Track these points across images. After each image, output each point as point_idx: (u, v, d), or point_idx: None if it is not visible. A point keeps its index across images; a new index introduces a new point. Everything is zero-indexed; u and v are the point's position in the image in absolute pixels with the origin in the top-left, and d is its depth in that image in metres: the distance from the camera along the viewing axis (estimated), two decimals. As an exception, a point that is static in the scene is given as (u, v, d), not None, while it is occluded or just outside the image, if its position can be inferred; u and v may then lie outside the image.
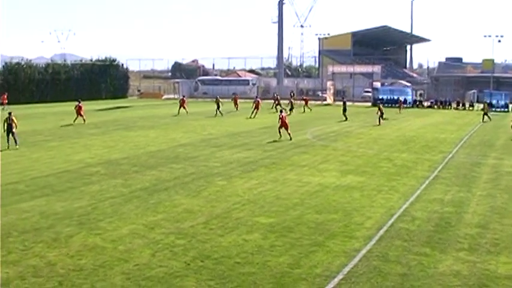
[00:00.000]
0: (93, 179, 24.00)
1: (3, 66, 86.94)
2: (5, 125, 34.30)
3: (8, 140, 34.04)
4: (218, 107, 58.91)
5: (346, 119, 53.06)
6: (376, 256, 14.25)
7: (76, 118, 49.17)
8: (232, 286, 12.31)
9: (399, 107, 65.49)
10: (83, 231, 16.28)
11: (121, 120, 53.57)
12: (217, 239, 15.53)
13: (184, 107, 60.30)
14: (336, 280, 12.67)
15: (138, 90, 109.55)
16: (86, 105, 56.94)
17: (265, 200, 20.31)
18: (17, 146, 33.81)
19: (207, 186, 22.61)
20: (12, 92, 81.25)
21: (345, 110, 54.50)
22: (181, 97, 62.98)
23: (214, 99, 61.68)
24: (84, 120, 49.15)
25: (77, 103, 50.82)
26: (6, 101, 68.57)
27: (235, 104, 67.06)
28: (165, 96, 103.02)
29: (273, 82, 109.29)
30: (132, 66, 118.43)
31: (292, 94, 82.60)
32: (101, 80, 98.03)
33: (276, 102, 66.69)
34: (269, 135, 39.86)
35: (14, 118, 34.64)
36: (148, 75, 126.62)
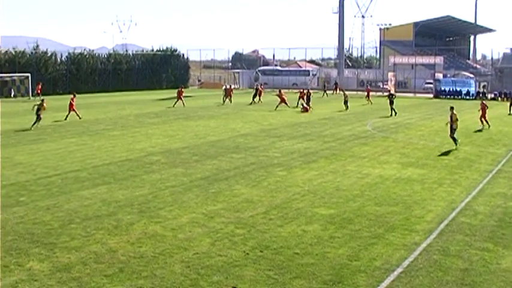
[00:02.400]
0: (153, 168, 24.41)
1: (67, 57, 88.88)
2: (35, 107, 40.15)
3: (35, 122, 39.36)
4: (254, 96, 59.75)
5: (395, 113, 49.64)
6: (437, 250, 14.10)
7: (68, 115, 46.35)
8: (291, 277, 12.37)
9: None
10: (143, 219, 16.59)
11: (181, 109, 54.15)
12: (277, 229, 15.62)
13: (181, 99, 58.59)
14: (396, 273, 12.59)
15: (199, 80, 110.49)
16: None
17: (325, 191, 20.30)
18: (32, 128, 38.72)
19: (267, 176, 22.72)
20: (75, 82, 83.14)
21: (391, 102, 50.62)
22: (179, 89, 60.84)
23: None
24: (71, 115, 46.30)
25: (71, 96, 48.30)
26: (40, 91, 69.89)
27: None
28: (225, 86, 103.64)
29: (334, 73, 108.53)
30: (193, 56, 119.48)
31: (335, 84, 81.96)
32: (162, 70, 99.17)
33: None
34: (329, 126, 39.74)
35: (44, 104, 40.68)
36: (208, 65, 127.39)
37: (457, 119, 31.02)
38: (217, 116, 47.12)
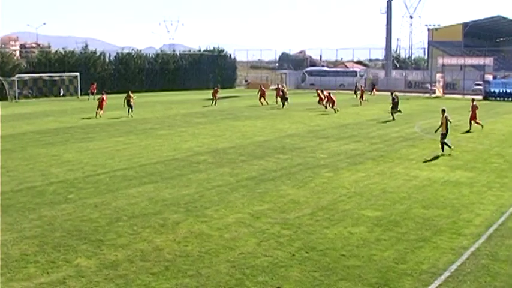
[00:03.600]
0: (200, 167, 24.56)
1: (115, 56, 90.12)
2: (125, 100, 48.52)
3: (128, 111, 47.62)
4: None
5: (393, 118, 45.65)
6: (485, 255, 13.86)
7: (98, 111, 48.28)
8: (337, 278, 12.31)
9: None
10: (189, 218, 16.71)
11: (228, 109, 54.36)
12: (323, 231, 15.56)
13: (215, 98, 59.14)
14: (443, 278, 12.41)
15: (246, 81, 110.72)
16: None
17: (371, 193, 20.15)
18: (131, 115, 47.04)
19: (313, 177, 22.65)
20: (123, 81, 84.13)
21: (394, 106, 46.31)
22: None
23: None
24: (98, 114, 48.09)
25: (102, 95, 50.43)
26: (95, 91, 71.10)
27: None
28: (272, 87, 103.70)
29: (381, 74, 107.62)
30: (240, 56, 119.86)
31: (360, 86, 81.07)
32: (209, 70, 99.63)
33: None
34: (377, 128, 39.44)
35: (132, 95, 48.91)
36: (255, 66, 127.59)
37: (447, 123, 29.10)
38: (264, 116, 47.15)
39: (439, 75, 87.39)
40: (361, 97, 63.21)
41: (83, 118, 46.40)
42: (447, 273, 12.63)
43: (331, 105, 52.45)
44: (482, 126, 39.04)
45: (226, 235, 15.13)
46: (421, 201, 19.04)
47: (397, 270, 12.77)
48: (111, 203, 18.55)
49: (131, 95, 49.88)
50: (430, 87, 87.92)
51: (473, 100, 41.62)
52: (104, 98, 48.98)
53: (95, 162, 25.88)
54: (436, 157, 27.63)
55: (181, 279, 12.20)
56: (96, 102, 48.28)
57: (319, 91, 56.99)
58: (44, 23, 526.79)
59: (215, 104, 58.39)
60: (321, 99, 55.09)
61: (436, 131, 30.13)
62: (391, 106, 46.46)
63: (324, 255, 13.66)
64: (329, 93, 54.34)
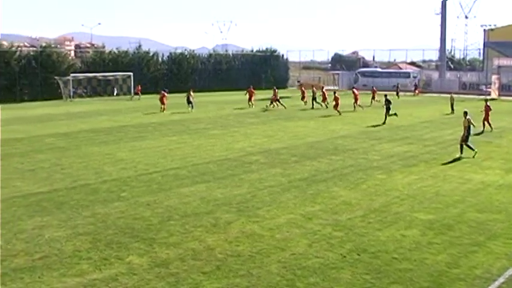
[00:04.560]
0: (252, 168, 24.64)
1: (168, 56, 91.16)
2: (187, 97, 52.89)
3: (189, 107, 51.74)
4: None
5: (384, 122, 43.34)
6: (543, 260, 13.56)
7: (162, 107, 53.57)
8: (388, 281, 12.20)
9: None
10: (241, 218, 16.78)
11: (281, 110, 54.34)
12: (375, 233, 15.45)
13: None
14: (497, 283, 12.17)
15: (298, 81, 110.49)
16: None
17: (424, 195, 19.90)
18: (192, 110, 51.40)
19: (366, 179, 22.50)
20: (175, 81, 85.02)
21: (388, 109, 44.10)
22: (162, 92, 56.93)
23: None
24: (162, 109, 53.44)
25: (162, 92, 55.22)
26: (139, 91, 72.64)
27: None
28: (325, 88, 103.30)
29: (435, 75, 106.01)
30: (292, 57, 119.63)
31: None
32: (261, 71, 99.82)
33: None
34: (430, 130, 38.94)
35: (191, 93, 53.68)
36: (307, 66, 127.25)
37: (469, 126, 28.13)
38: (316, 117, 47.01)
39: (494, 77, 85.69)
40: (373, 97, 61.20)
41: (138, 117, 47.04)
42: (501, 279, 12.39)
43: (325, 103, 54.85)
44: (492, 128, 38.22)
45: (278, 235, 15.15)
46: (475, 204, 18.72)
47: (449, 275, 12.59)
48: (164, 201, 18.77)
49: (191, 93, 54.48)
50: (485, 89, 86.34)
51: (486, 100, 41.09)
52: (165, 95, 53.50)
53: (147, 161, 26.23)
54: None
55: (232, 279, 12.27)
56: (147, 102, 49.20)
57: (324, 90, 57.90)
58: (99, 24, 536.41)
59: (250, 105, 58.18)
60: (324, 99, 56.02)
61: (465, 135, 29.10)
62: (385, 109, 44.34)
63: (376, 257, 13.57)
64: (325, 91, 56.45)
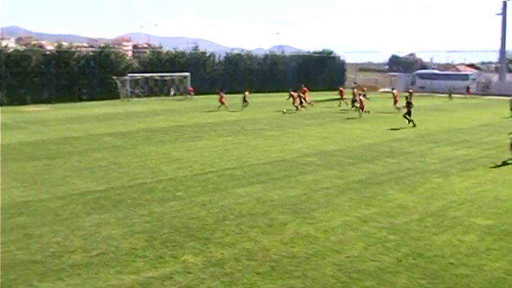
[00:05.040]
0: (308, 169, 24.60)
1: (225, 57, 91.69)
2: (243, 97, 55.28)
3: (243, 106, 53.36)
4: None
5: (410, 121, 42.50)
6: None
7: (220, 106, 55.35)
8: (444, 287, 12.04)
9: None
10: (296, 220, 16.78)
11: (337, 111, 54.13)
12: (431, 237, 15.26)
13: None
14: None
15: (355, 83, 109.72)
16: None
17: (483, 200, 19.54)
18: (243, 109, 52.42)
19: (422, 182, 22.22)
20: (232, 82, 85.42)
21: (409, 113, 42.46)
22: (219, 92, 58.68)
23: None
24: (223, 108, 55.02)
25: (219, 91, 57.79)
26: (193, 93, 73.62)
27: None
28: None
29: (495, 77, 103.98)
30: (349, 58, 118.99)
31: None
32: (318, 72, 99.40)
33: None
34: (489, 133, 38.22)
35: (247, 93, 56.63)
36: (364, 68, 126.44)
37: None
38: (372, 120, 46.60)
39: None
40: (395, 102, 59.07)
41: (195, 117, 47.48)
42: None
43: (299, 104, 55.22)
44: None
45: (333, 238, 15.10)
46: (537, 210, 18.32)
47: (508, 282, 12.35)
48: (219, 201, 18.90)
49: (247, 93, 57.13)
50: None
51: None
52: (222, 95, 55.47)
53: (203, 161, 26.44)
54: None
55: (287, 280, 12.28)
56: (204, 102, 49.91)
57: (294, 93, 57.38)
58: (156, 25, 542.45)
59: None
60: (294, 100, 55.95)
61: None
62: (405, 111, 43.06)
63: (432, 262, 13.40)
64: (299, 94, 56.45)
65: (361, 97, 51.53)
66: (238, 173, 23.78)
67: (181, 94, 77.14)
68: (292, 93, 56.39)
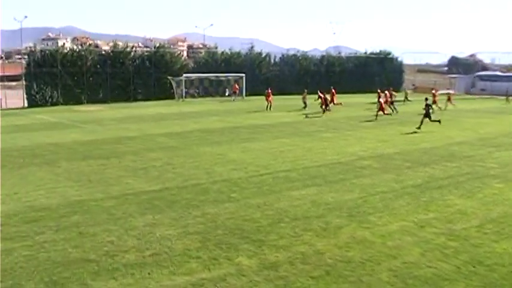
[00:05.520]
0: (364, 172, 24.47)
1: (280, 58, 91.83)
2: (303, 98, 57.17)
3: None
4: None
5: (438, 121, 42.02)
6: None
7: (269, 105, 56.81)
8: (506, 296, 11.87)
9: None
10: (352, 224, 16.71)
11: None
12: (491, 245, 15.00)
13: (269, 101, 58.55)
14: None
15: (413, 85, 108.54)
16: (358, 98, 58.13)
17: (548, 207, 19.14)
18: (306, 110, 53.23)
19: (482, 187, 21.85)
20: (287, 83, 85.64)
21: (427, 115, 41.18)
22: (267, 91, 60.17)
23: None
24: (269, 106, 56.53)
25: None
26: (238, 91, 73.63)
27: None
28: (440, 92, 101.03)
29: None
30: (407, 59, 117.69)
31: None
32: (375, 73, 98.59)
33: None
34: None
35: (305, 94, 58.49)
36: (423, 69, 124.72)
37: None
38: (431, 123, 46.00)
39: None
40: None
41: (250, 118, 47.69)
42: None
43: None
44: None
45: (389, 243, 15.00)
46: None
47: None
48: (274, 204, 18.95)
49: (305, 94, 58.85)
50: None
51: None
52: (269, 93, 56.87)
53: (258, 163, 26.55)
54: None
55: (342, 284, 12.25)
56: (259, 103, 50.07)
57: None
58: (211, 25, 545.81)
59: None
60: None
61: None
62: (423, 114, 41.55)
63: (492, 270, 13.18)
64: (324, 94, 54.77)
65: (380, 99, 50.81)
66: (293, 175, 23.80)
67: (236, 95, 77.50)
68: (320, 94, 55.64)
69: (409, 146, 32.35)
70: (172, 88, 75.28)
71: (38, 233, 15.70)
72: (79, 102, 69.39)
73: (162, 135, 37.23)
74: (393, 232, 15.91)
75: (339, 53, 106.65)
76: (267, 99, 57.95)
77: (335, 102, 60.03)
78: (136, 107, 63.10)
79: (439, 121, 41.98)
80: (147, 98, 74.13)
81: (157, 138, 35.70)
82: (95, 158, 28.13)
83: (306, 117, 50.69)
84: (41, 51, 72.14)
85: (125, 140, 34.96)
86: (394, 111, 54.08)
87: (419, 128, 40.06)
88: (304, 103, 56.75)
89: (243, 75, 78.52)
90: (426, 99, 43.21)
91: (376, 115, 48.63)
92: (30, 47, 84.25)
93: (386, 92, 57.97)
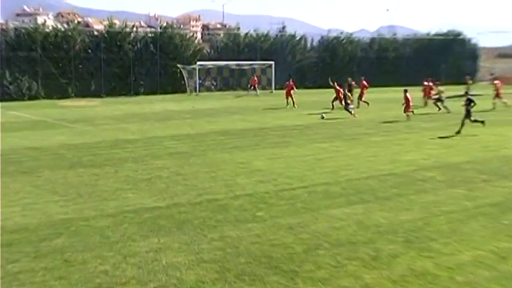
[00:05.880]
0: (426, 187, 24.30)
1: (319, 41, 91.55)
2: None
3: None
4: None
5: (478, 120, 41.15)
6: None
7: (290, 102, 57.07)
8: None
9: None
10: (410, 252, 16.57)
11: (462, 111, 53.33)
12: None
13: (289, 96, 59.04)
14: None
15: (491, 74, 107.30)
16: (419, 91, 57.75)
17: None
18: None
19: None
20: (327, 73, 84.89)
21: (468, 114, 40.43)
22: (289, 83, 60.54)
23: None
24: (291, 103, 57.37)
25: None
26: (257, 84, 73.33)
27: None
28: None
29: None
30: (483, 41, 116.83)
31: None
32: (440, 60, 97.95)
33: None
34: None
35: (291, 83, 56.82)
36: (505, 54, 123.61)
37: None
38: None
39: None
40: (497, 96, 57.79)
41: (279, 117, 47.69)
42: None
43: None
44: None
45: (459, 278, 14.82)
46: None
47: None
48: (310, 225, 18.85)
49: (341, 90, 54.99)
50: None
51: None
52: (291, 86, 58.00)
53: (290, 173, 26.49)
54: None
55: (398, 328, 12.16)
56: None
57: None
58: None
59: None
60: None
61: None
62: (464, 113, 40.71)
63: None
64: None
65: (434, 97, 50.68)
66: (334, 189, 23.70)
67: (263, 88, 77.42)
68: (337, 87, 55.40)
69: (484, 153, 32.07)
70: (183, 79, 75.47)
71: (10, 260, 15.71)
72: (65, 95, 69.81)
73: (169, 137, 37.36)
74: (464, 264, 15.73)
75: (394, 34, 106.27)
76: (288, 95, 57.81)
77: (363, 98, 59.62)
78: (138, 103, 63.50)
79: (482, 122, 41.32)
80: (151, 92, 74.47)
81: (164, 141, 35.83)
82: (85, 166, 28.28)
83: (322, 118, 49.42)
84: (15, 29, 72.53)
85: (124, 143, 35.11)
86: (443, 110, 53.81)
87: (458, 132, 39.54)
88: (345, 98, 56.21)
89: (272, 63, 78.43)
90: (466, 92, 42.87)
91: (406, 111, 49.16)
92: (0, 24, 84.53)
93: (427, 83, 57.92)
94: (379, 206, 21.18)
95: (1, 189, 23.49)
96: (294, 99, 57.78)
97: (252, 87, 74.46)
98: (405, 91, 49.59)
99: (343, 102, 52.36)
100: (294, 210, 20.55)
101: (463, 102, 41.10)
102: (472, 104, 40.35)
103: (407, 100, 48.91)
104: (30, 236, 17.62)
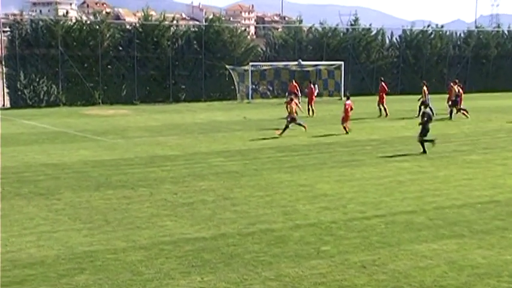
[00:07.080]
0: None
1: (400, 36, 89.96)
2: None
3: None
4: None
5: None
6: None
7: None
8: None
9: None
10: (517, 301, 16.39)
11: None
12: None
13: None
14: None
15: None
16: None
17: None
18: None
19: None
20: (409, 76, 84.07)
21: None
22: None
23: None
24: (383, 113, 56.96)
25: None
26: (298, 92, 71.50)
27: None
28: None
29: None
30: None
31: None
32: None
33: None
34: None
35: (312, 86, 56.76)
36: None
37: None
38: None
39: None
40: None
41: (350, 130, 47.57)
42: None
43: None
44: None
45: None
46: None
47: None
48: (388, 263, 18.74)
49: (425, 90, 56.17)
50: None
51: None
52: (313, 90, 59.47)
53: (363, 199, 26.41)
54: None
55: None
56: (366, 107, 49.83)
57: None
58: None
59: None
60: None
61: None
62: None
63: None
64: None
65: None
66: (418, 219, 23.57)
67: (330, 94, 76.91)
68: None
69: None
70: (232, 83, 75.47)
71: (23, 303, 15.89)
72: (91, 102, 69.84)
73: (216, 154, 37.50)
74: None
75: (497, 26, 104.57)
76: (310, 102, 57.96)
77: (384, 104, 59.25)
78: (178, 111, 63.72)
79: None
80: (194, 98, 74.38)
81: (209, 158, 35.95)
82: (114, 188, 28.47)
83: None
84: (32, 22, 72.45)
85: (161, 160, 35.30)
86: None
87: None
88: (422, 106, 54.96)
89: (341, 63, 77.85)
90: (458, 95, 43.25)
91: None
92: (13, 15, 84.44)
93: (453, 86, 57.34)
94: (476, 241, 20.99)
95: (14, 214, 23.74)
96: (386, 106, 57.37)
97: (292, 93, 71.88)
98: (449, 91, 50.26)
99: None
100: (368, 244, 20.49)
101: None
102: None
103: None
104: (47, 272, 17.78)
